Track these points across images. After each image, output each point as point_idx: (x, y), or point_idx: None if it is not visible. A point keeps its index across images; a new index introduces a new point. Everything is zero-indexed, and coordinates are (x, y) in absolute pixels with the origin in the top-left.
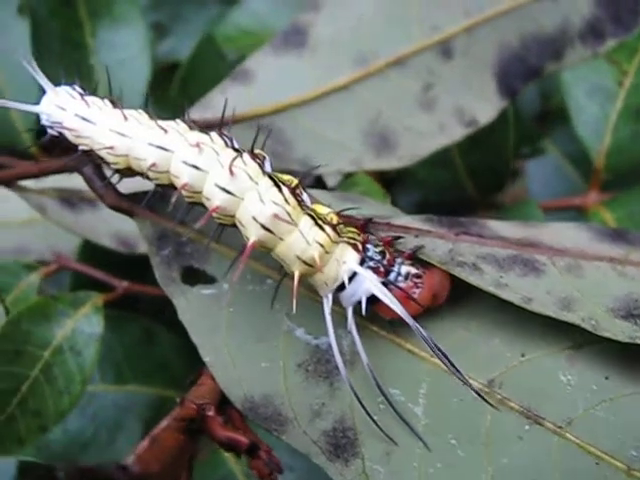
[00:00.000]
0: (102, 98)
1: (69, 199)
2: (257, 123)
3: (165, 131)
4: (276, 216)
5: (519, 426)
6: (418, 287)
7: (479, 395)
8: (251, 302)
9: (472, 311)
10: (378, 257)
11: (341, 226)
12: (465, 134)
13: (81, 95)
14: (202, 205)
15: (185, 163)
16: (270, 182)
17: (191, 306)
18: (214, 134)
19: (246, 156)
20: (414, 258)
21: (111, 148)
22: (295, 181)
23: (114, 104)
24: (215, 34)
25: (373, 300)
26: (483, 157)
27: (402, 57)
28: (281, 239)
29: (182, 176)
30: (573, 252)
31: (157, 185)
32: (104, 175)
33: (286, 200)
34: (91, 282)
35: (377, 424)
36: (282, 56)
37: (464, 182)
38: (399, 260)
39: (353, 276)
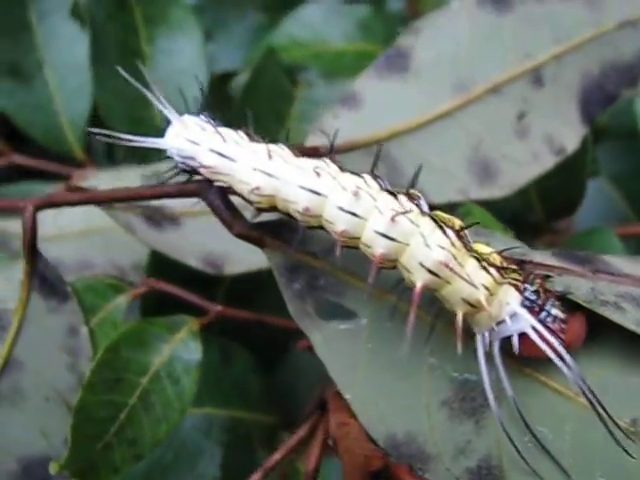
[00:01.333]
0: (235, 130)
1: (152, 216)
2: (372, 150)
3: (317, 174)
4: (444, 262)
5: None
6: (563, 332)
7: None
8: (391, 338)
9: (607, 350)
10: (534, 297)
11: (504, 266)
12: (555, 162)
13: (213, 127)
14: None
15: (341, 209)
16: (432, 224)
17: (328, 342)
18: (367, 176)
19: (403, 199)
20: (561, 299)
21: (257, 189)
22: (457, 222)
23: (250, 137)
24: (264, 44)
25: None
26: (557, 181)
27: (498, 84)
28: (448, 283)
29: (338, 223)
30: None
31: (306, 227)
32: (230, 203)
33: (452, 244)
34: (166, 302)
35: (525, 460)
36: (386, 80)
37: (534, 206)
38: (551, 301)
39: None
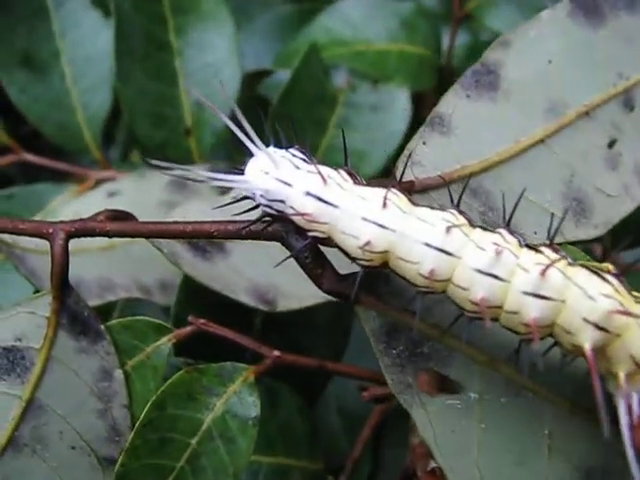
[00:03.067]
0: (336, 169)
1: (197, 244)
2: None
3: (447, 230)
4: (612, 312)
5: None
6: None
7: None
8: (506, 417)
9: None
10: None
11: None
12: None
13: (309, 164)
14: (494, 320)
15: (480, 272)
16: (586, 272)
17: (434, 420)
18: (505, 232)
19: (548, 251)
20: None
21: (367, 244)
22: (610, 267)
23: (354, 178)
24: (299, 40)
25: None
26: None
27: (591, 107)
28: (617, 336)
29: (477, 288)
30: None
31: (425, 293)
32: (320, 252)
33: (616, 290)
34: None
35: None
36: (474, 100)
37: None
38: None
39: None
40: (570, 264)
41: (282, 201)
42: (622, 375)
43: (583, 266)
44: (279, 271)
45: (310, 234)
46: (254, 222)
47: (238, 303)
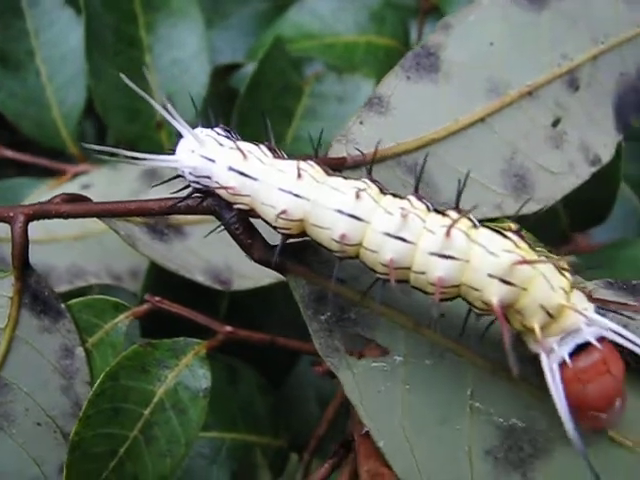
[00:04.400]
0: (257, 144)
1: (155, 226)
2: (402, 160)
3: (357, 196)
4: (514, 264)
5: None
6: None
7: None
8: (430, 379)
9: None
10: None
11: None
12: (591, 173)
13: (231, 141)
14: (404, 282)
15: (388, 235)
16: (489, 231)
17: (359, 382)
18: (413, 198)
19: (451, 212)
20: None
21: (283, 212)
22: (512, 225)
23: (274, 152)
24: (269, 34)
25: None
26: (585, 189)
27: (534, 87)
28: (524, 289)
29: (385, 251)
30: None
31: (340, 258)
32: (250, 224)
33: (517, 245)
34: (170, 318)
35: None
36: (415, 81)
37: (559, 213)
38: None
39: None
40: (474, 226)
41: (208, 177)
42: (537, 327)
43: (486, 227)
44: (235, 253)
45: (235, 206)
46: (185, 198)
47: (204, 288)
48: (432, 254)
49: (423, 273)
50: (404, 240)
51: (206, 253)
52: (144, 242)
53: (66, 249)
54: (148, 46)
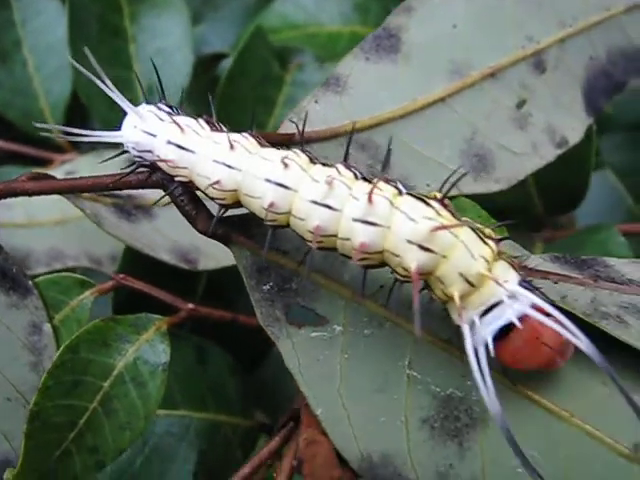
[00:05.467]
0: (196, 118)
1: (123, 206)
2: (355, 138)
3: (285, 165)
4: (433, 230)
5: None
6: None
7: None
8: (369, 348)
9: (611, 365)
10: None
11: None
12: (557, 155)
13: (171, 116)
14: (332, 250)
15: (314, 203)
16: (412, 199)
17: (299, 351)
18: (341, 167)
19: (381, 183)
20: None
21: (217, 183)
22: (438, 194)
23: (212, 126)
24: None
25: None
26: (558, 174)
27: (497, 69)
28: (444, 257)
29: (311, 218)
30: None
31: (272, 227)
32: (195, 196)
33: (438, 213)
34: (141, 299)
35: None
36: (374, 62)
37: (533, 198)
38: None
39: (494, 305)
40: (400, 194)
41: (150, 151)
42: (457, 295)
43: (410, 195)
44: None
45: (176, 179)
46: (129, 173)
47: (181, 271)
48: (356, 220)
49: (348, 239)
50: (330, 207)
51: (174, 234)
52: (110, 221)
53: (46, 233)
54: (132, 36)
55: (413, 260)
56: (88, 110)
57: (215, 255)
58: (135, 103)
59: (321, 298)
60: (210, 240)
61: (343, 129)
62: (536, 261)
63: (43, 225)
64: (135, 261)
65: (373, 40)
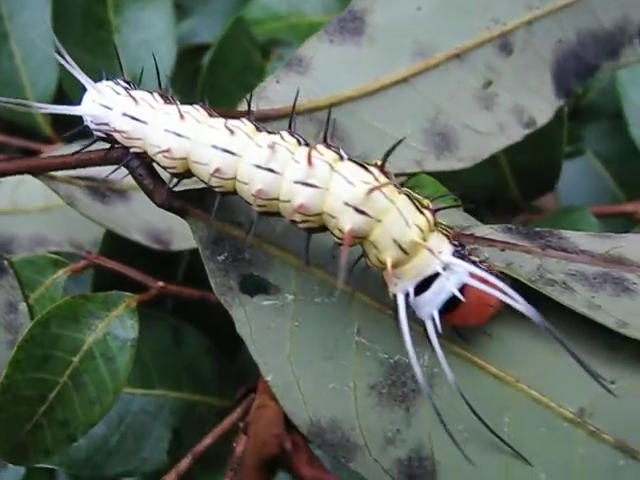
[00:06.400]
0: (151, 92)
1: (98, 189)
2: (315, 116)
3: (231, 132)
4: (371, 195)
5: (614, 460)
6: (491, 269)
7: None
8: (319, 316)
9: (559, 332)
10: (462, 250)
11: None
12: (524, 135)
13: (127, 90)
14: (276, 214)
15: (257, 167)
16: (353, 164)
17: (250, 318)
18: (285, 133)
19: (320, 147)
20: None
21: (167, 151)
22: (379, 162)
23: (166, 99)
24: (243, 17)
25: (448, 308)
26: (531, 157)
27: (462, 50)
28: (379, 221)
29: (254, 182)
30: None
31: (220, 193)
32: (153, 170)
33: (376, 179)
34: (118, 280)
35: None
36: (339, 44)
37: (508, 182)
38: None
39: (433, 277)
40: (341, 159)
41: (107, 124)
42: (389, 261)
43: (351, 160)
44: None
45: (131, 150)
46: (88, 145)
47: (161, 256)
48: (296, 182)
49: (288, 201)
50: (272, 171)
51: (148, 216)
52: (84, 202)
53: (31, 219)
54: (116, 27)
55: (348, 222)
56: (73, 101)
57: (188, 236)
58: None
59: (273, 268)
60: (184, 221)
61: (303, 107)
62: (486, 231)
63: (28, 212)
64: (114, 245)
65: (338, 23)
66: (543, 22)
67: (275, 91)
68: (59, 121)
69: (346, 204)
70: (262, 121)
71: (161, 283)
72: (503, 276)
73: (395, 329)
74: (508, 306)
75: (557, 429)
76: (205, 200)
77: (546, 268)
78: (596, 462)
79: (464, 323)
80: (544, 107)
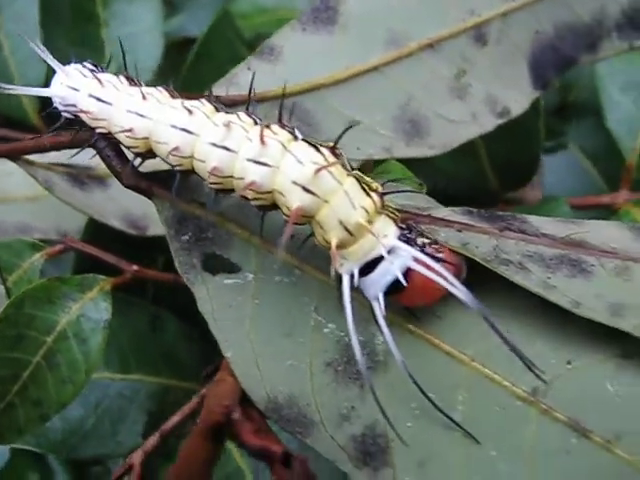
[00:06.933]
0: (117, 75)
1: (77, 176)
2: (283, 102)
3: (190, 112)
4: (318, 173)
5: (565, 439)
6: (440, 252)
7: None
8: (278, 294)
9: (514, 312)
10: (409, 233)
11: (385, 197)
12: (497, 124)
13: (93, 73)
14: (230, 191)
15: (213, 145)
16: (305, 144)
17: (212, 296)
18: (242, 113)
19: (275, 127)
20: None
21: (130, 131)
22: (331, 143)
23: (131, 81)
24: (229, 10)
25: (395, 289)
26: (509, 149)
27: (436, 40)
28: (325, 201)
29: (210, 160)
30: (621, 254)
31: (179, 172)
32: (121, 152)
33: (326, 159)
34: (97, 266)
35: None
36: (311, 33)
37: (487, 174)
38: (424, 241)
39: (379, 259)
40: (295, 139)
41: (74, 105)
42: (334, 242)
43: (305, 141)
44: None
45: (97, 131)
46: (57, 128)
47: (142, 244)
48: (249, 160)
49: (242, 179)
50: (227, 149)
51: (125, 202)
52: (62, 188)
53: (17, 208)
54: (104, 21)
55: (296, 200)
56: None
57: None
58: None
59: (235, 247)
60: None
61: (271, 93)
62: (445, 212)
63: (15, 200)
64: (97, 232)
65: (311, 12)
66: (519, 14)
67: (245, 78)
68: (51, 115)
69: (294, 183)
70: (231, 106)
71: (136, 267)
72: (457, 256)
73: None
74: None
75: (510, 407)
76: (170, 181)
77: (502, 249)
78: (548, 440)
79: (413, 304)
80: (519, 98)
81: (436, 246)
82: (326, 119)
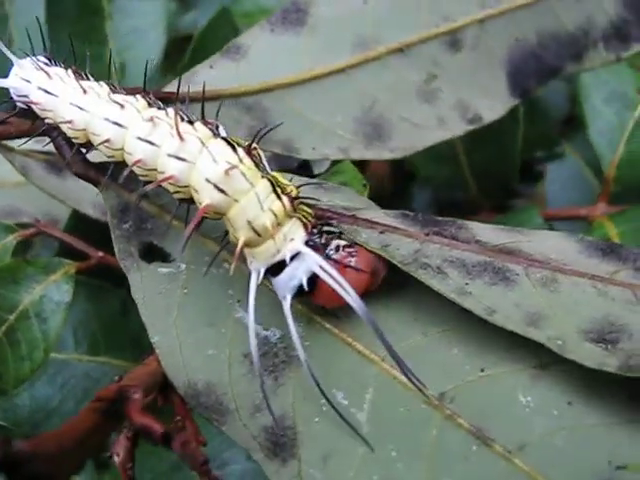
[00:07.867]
0: (66, 68)
1: (55, 164)
2: (241, 101)
3: (122, 106)
4: (229, 173)
5: (466, 445)
6: (353, 256)
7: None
8: (206, 285)
9: (433, 316)
10: (319, 238)
11: (298, 201)
12: (467, 130)
13: (45, 66)
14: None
15: (139, 139)
16: (223, 143)
17: (145, 284)
18: (170, 110)
19: (197, 124)
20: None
21: (70, 122)
22: (246, 143)
23: (78, 75)
24: (233, 9)
25: (311, 288)
26: (489, 157)
27: (406, 45)
28: (235, 201)
29: (136, 153)
30: (552, 264)
31: (113, 162)
32: (71, 141)
33: (240, 160)
34: (76, 252)
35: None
36: (279, 34)
37: (468, 182)
38: (336, 244)
39: (293, 257)
40: (217, 136)
41: (26, 95)
42: (241, 241)
43: (224, 140)
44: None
45: (46, 121)
46: (12, 115)
47: None
48: (170, 155)
49: (163, 172)
50: (152, 143)
51: None
52: (38, 174)
53: (7, 193)
54: (109, 14)
55: (207, 198)
56: None
57: None
58: (107, 78)
59: (170, 237)
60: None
61: (228, 92)
62: (375, 214)
63: (3, 185)
64: (83, 217)
65: (281, 13)
66: (498, 21)
67: (208, 75)
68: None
69: (207, 180)
70: (190, 103)
71: (101, 253)
72: (376, 258)
73: (272, 302)
74: (382, 289)
75: (415, 410)
76: (117, 172)
77: (424, 253)
78: (448, 445)
79: (327, 305)
80: (494, 105)
81: (350, 250)
82: (284, 119)
